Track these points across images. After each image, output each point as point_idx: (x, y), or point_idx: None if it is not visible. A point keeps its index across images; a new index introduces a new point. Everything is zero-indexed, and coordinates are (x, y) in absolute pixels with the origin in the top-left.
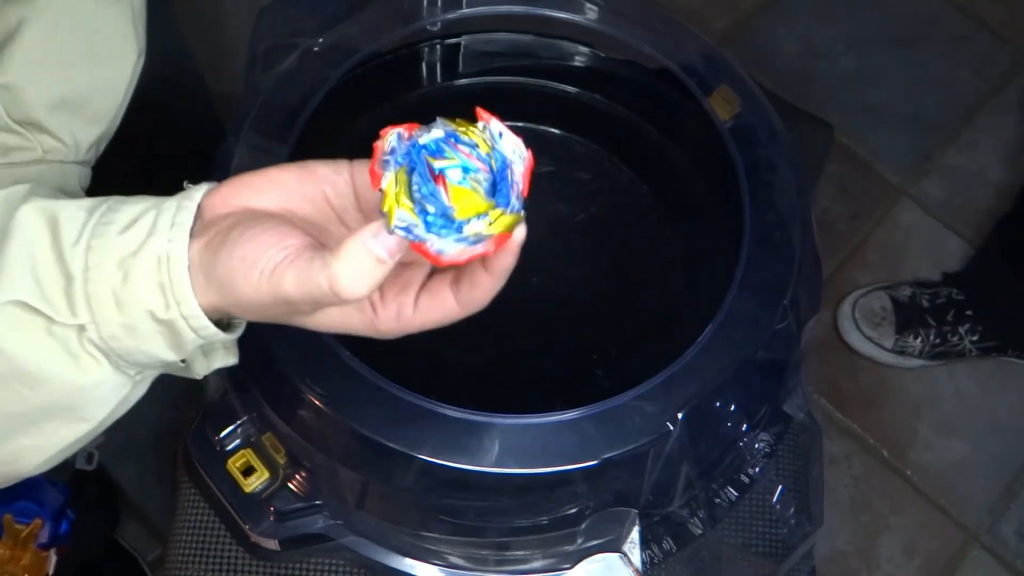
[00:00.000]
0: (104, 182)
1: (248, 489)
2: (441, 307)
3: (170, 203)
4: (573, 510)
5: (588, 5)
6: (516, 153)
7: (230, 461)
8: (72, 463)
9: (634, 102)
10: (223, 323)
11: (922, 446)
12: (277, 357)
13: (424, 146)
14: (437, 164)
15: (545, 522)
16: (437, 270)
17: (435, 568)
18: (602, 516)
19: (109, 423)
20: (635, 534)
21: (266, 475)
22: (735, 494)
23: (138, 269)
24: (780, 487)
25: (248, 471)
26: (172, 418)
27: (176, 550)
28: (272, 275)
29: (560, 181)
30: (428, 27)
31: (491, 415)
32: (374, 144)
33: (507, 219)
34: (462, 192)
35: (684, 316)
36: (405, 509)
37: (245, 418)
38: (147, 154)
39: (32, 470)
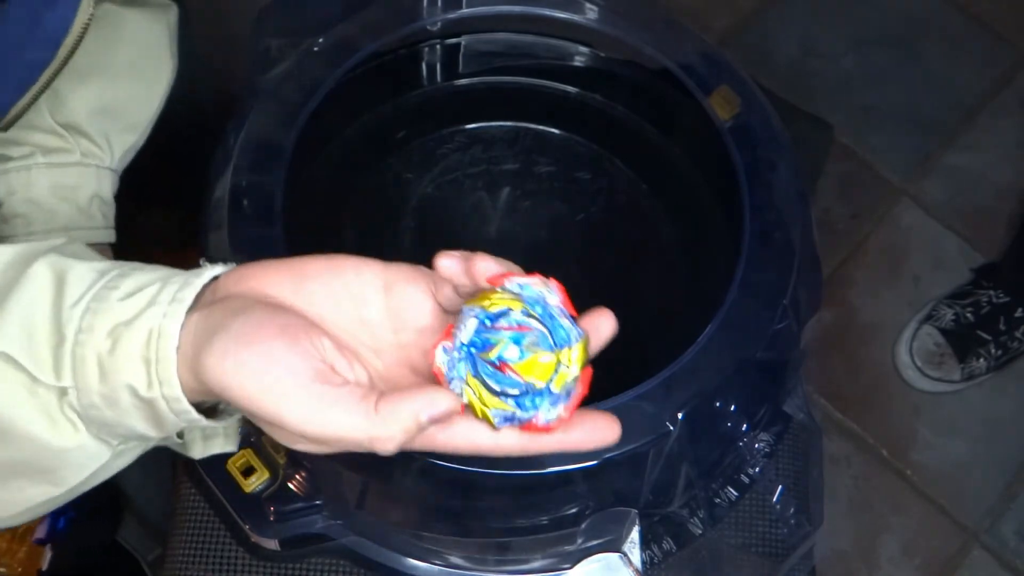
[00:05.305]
0: None
1: (248, 489)
2: None
3: (178, 277)
4: (573, 510)
5: (588, 5)
6: (545, 287)
7: (230, 461)
8: None
9: (634, 102)
10: (206, 406)
11: (922, 446)
12: None
13: (471, 345)
14: (493, 355)
15: (545, 522)
16: None
17: (435, 568)
18: (602, 516)
19: (84, 489)
20: (635, 534)
21: (266, 475)
22: (735, 494)
23: (127, 340)
24: (780, 487)
25: (248, 471)
26: None
27: (176, 550)
28: (282, 399)
29: (560, 181)
30: (428, 27)
31: None
32: (433, 371)
33: (579, 352)
34: (528, 364)
35: (684, 316)
36: (405, 509)
37: None
38: (147, 155)
39: None
